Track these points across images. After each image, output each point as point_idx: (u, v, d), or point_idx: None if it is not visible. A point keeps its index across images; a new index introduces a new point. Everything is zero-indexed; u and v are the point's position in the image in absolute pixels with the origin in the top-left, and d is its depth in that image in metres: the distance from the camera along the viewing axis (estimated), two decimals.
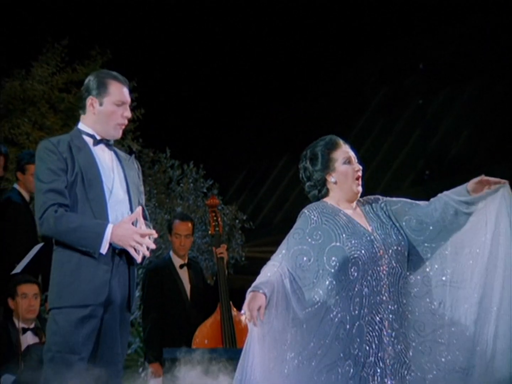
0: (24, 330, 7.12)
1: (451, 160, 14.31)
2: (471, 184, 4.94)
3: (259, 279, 4.76)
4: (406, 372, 4.80)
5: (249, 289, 4.70)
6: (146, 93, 12.55)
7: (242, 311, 4.76)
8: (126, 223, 4.80)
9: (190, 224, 8.02)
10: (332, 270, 4.79)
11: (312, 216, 4.90)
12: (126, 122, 5.07)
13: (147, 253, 4.83)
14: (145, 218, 5.09)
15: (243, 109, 16.88)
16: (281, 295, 4.76)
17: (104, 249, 4.77)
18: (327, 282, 4.79)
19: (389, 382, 4.75)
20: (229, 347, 7.37)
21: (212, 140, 16.77)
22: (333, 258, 4.79)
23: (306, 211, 4.93)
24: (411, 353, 4.84)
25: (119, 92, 5.03)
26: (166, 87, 15.22)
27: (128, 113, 5.06)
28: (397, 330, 4.80)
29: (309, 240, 4.84)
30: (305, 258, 4.82)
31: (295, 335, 4.78)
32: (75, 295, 4.82)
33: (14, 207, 7.94)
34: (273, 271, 4.79)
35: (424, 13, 14.71)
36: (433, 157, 14.33)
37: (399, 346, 4.81)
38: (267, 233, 16.32)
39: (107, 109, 5.02)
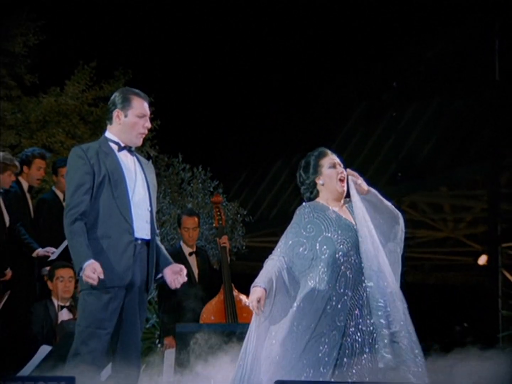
0: (61, 308, 7.15)
1: (419, 164, 14.31)
2: None
3: (261, 275, 4.89)
4: (374, 343, 4.88)
5: (252, 285, 4.85)
6: (162, 107, 12.53)
7: (247, 304, 4.88)
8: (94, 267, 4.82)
9: (196, 219, 8.01)
10: (323, 257, 4.91)
11: (305, 213, 5.03)
12: (146, 131, 5.13)
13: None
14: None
15: (244, 122, 16.92)
16: (280, 284, 4.88)
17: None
18: (319, 267, 4.92)
19: (367, 350, 4.83)
20: (232, 322, 7.39)
21: (218, 147, 16.78)
22: (324, 247, 4.92)
23: (300, 209, 5.05)
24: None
25: (140, 106, 5.07)
26: (179, 102, 15.22)
27: (148, 124, 5.12)
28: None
29: (304, 233, 4.96)
30: (301, 249, 4.94)
31: (293, 313, 4.88)
32: (103, 279, 4.85)
33: (46, 205, 7.99)
34: (272, 265, 4.91)
35: (396, 40, 14.71)
36: (404, 161, 14.34)
37: (371, 321, 4.89)
38: (264, 226, 16.31)
39: (130, 121, 5.05)
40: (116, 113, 5.07)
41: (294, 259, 4.93)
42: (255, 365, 4.84)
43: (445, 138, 14.27)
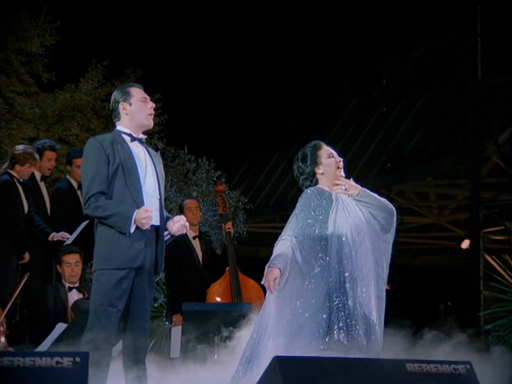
0: (70, 289, 7.16)
1: (407, 155, 14.28)
2: None
3: (275, 255, 4.88)
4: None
5: (267, 265, 4.84)
6: (169, 103, 12.55)
7: (262, 282, 4.87)
8: (144, 208, 4.82)
9: (195, 201, 8.07)
10: (329, 237, 4.90)
11: (313, 197, 5.01)
12: (153, 111, 5.08)
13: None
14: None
15: (245, 117, 16.98)
16: (293, 263, 4.87)
17: (132, 229, 4.79)
18: (327, 247, 4.91)
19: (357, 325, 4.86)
20: (237, 301, 7.36)
21: (221, 139, 16.82)
22: (331, 229, 4.91)
23: (307, 193, 5.04)
24: None
25: (139, 92, 5.08)
26: (184, 98, 15.23)
27: (152, 104, 5.10)
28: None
29: (313, 214, 4.95)
30: (311, 230, 4.92)
31: (306, 290, 4.86)
32: (116, 261, 4.83)
33: (64, 194, 8.00)
34: (286, 245, 4.89)
35: (387, 41, 14.71)
36: (393, 153, 14.32)
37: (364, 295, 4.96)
38: (264, 213, 16.31)
39: (136, 106, 5.04)
40: (121, 106, 5.06)
41: (305, 240, 4.91)
42: (268, 337, 4.84)
43: (431, 132, 14.24)
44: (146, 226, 4.79)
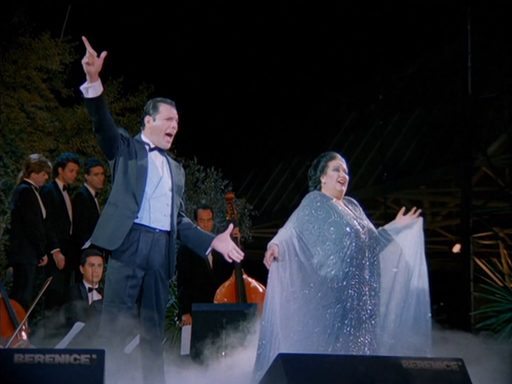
0: (90, 290, 7.15)
1: (402, 166, 14.27)
2: (398, 216, 5.38)
3: (275, 238, 5.04)
4: (374, 320, 4.89)
5: (268, 244, 5.00)
6: (180, 116, 12.50)
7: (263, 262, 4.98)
8: None
9: (210, 211, 8.03)
10: (331, 237, 4.99)
11: (317, 198, 5.14)
12: (173, 132, 5.12)
13: None
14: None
15: (251, 130, 17.00)
16: (291, 248, 4.98)
17: None
18: (325, 244, 4.99)
19: (365, 325, 4.91)
20: (242, 302, 7.35)
21: (228, 151, 16.82)
22: (332, 228, 5.01)
23: (311, 194, 5.17)
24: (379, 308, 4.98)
25: (166, 110, 5.09)
26: (194, 112, 15.23)
27: (175, 125, 5.13)
28: (373, 288, 4.96)
29: (314, 214, 5.06)
30: (309, 226, 5.03)
31: (302, 279, 4.95)
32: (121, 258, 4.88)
33: (82, 199, 8.02)
34: (284, 232, 5.06)
35: (383, 59, 14.69)
36: (389, 164, 14.29)
37: (373, 300, 4.94)
38: (268, 219, 16.26)
39: (158, 123, 5.06)
40: (146, 119, 5.11)
41: (303, 232, 5.02)
42: (276, 321, 4.87)
43: (424, 143, 14.23)
44: (89, 67, 4.71)
